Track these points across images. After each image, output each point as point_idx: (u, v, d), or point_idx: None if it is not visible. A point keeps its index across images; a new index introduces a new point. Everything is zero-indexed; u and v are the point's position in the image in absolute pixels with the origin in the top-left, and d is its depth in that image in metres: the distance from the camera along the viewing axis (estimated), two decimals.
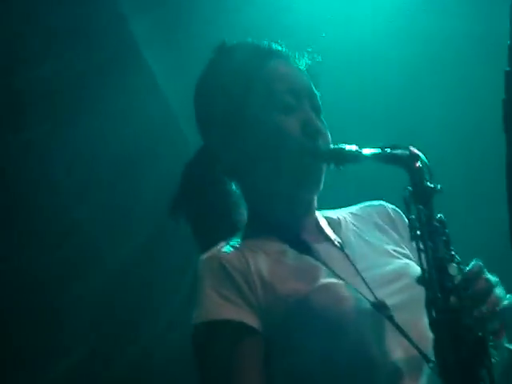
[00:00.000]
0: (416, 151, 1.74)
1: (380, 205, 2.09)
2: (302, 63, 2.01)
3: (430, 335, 1.65)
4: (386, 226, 2.04)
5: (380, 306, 1.77)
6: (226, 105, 1.94)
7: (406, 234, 2.02)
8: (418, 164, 1.72)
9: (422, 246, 1.68)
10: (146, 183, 3.35)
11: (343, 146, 1.83)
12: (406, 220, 2.01)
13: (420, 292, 1.70)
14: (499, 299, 1.65)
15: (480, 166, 3.47)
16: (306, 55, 2.03)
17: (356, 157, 1.81)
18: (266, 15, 3.30)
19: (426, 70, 3.55)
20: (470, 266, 1.66)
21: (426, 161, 1.73)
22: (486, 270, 1.67)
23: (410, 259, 1.95)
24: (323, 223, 1.99)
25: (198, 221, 2.01)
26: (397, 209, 2.08)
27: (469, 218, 3.38)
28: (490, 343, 1.61)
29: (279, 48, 2.01)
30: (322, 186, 1.93)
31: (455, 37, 3.47)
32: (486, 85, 3.05)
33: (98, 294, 3.32)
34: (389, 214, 2.07)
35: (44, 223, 3.27)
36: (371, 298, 1.78)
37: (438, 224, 1.69)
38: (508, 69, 1.53)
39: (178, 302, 3.30)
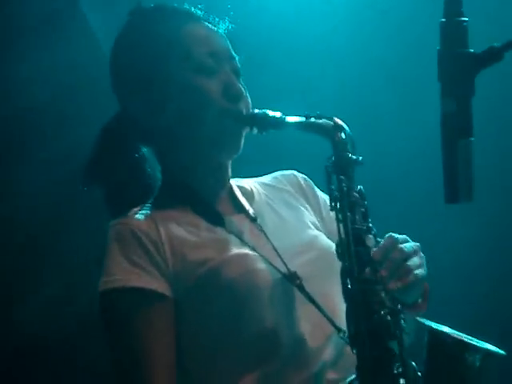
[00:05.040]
0: (340, 122, 1.75)
1: (291, 174, 2.10)
2: (222, 27, 1.99)
3: (340, 306, 1.67)
4: (297, 195, 2.05)
5: (291, 277, 1.79)
6: (146, 68, 1.90)
7: (315, 203, 2.06)
8: (341, 135, 1.73)
9: (340, 217, 1.68)
10: None
11: (266, 112, 1.82)
12: (317, 190, 2.05)
13: (330, 263, 1.73)
14: (412, 268, 1.64)
15: None
16: (227, 19, 2.01)
17: (279, 123, 1.80)
18: None
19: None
20: (384, 238, 1.68)
21: (349, 132, 1.74)
22: (401, 239, 1.67)
23: (319, 229, 1.97)
24: (237, 193, 1.98)
25: (112, 187, 1.96)
26: (307, 178, 2.10)
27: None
28: (402, 315, 1.63)
29: (198, 12, 1.99)
30: (240, 151, 1.91)
31: None
32: None
33: None
34: (300, 183, 2.08)
35: None
36: (283, 269, 1.79)
37: (357, 195, 1.70)
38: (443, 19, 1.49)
39: None
